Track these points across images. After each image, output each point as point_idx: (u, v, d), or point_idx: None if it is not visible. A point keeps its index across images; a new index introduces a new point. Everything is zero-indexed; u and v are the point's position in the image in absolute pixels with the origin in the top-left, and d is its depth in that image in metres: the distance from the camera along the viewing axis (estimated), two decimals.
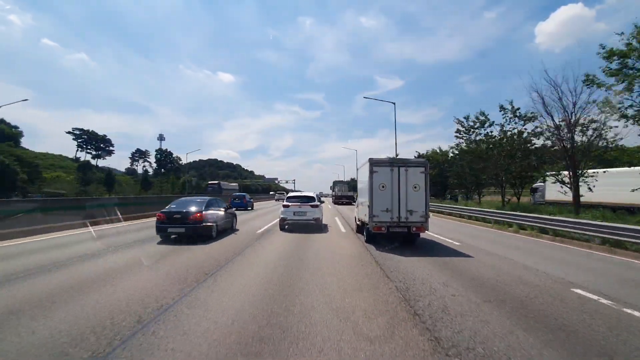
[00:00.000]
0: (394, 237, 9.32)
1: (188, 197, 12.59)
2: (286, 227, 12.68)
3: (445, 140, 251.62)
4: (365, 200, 9.55)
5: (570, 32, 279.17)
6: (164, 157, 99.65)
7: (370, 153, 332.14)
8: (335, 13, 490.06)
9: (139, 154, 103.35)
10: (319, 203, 13.41)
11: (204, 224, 9.65)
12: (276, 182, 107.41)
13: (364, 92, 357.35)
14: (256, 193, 77.85)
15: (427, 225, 8.90)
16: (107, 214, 13.77)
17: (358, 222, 11.84)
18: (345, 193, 41.30)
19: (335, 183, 49.94)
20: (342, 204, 38.95)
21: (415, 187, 8.92)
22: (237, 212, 14.67)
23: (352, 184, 62.95)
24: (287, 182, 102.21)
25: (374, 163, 9.02)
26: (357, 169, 11.79)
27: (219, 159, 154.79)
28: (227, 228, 11.87)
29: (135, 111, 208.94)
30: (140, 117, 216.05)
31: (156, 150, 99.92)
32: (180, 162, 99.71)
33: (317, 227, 12.65)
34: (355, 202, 27.88)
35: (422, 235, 9.68)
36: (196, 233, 9.51)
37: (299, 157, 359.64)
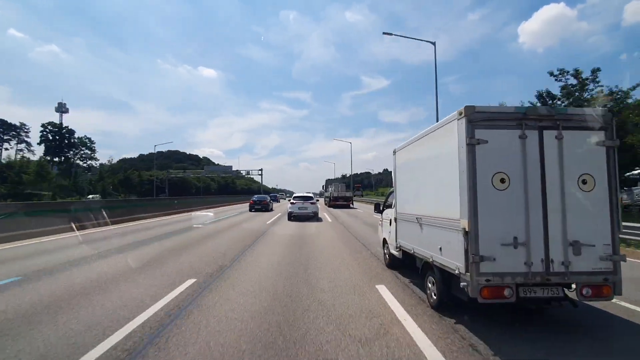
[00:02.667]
0: (523, 304, 3.65)
1: (260, 195, 31.32)
2: (292, 218, 16.71)
3: None
4: (434, 209, 4.14)
5: (552, 32, 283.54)
6: (59, 138, 59.21)
7: (356, 152, 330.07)
8: (320, 10, 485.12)
9: (5, 129, 58.52)
10: (316, 201, 18.70)
11: (268, 205, 25.82)
12: (239, 172, 78.97)
13: (350, 91, 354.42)
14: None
15: (619, 281, 3.39)
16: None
17: (395, 251, 6.07)
18: (342, 193, 32.81)
19: (329, 182, 41.57)
20: (339, 206, 31.41)
21: (584, 181, 3.45)
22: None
23: (348, 182, 56.53)
24: (248, 172, 72.00)
25: (477, 120, 3.42)
26: (394, 152, 6.22)
27: (181, 150, 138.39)
28: (272, 207, 27.03)
29: (115, 108, 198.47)
30: (121, 115, 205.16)
31: (42, 126, 59.00)
32: (93, 145, 64.93)
33: (316, 219, 16.91)
34: (370, 207, 22.87)
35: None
36: (265, 209, 24.95)
37: (285, 156, 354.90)
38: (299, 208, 16.66)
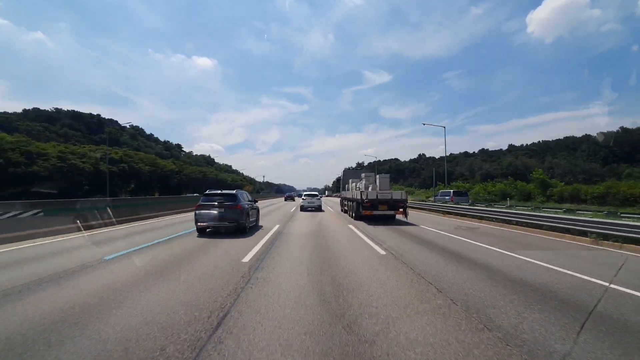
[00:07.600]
0: None
1: (289, 193, 63.46)
2: (303, 209, 23.90)
3: (432, 136, 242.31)
4: None
5: (563, 20, 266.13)
6: None
7: (357, 148, 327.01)
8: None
9: None
10: (320, 197, 26.30)
11: (294, 198, 47.23)
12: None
13: (351, 86, 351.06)
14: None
15: None
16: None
17: None
18: (384, 194, 14.42)
19: (350, 173, 21.92)
20: (378, 218, 14.65)
21: None
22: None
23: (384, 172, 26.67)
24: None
25: None
26: None
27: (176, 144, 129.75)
28: (294, 199, 45.64)
29: (112, 102, 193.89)
30: (118, 109, 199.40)
31: None
32: None
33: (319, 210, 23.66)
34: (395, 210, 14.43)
35: None
36: (292, 199, 45.97)
37: (285, 152, 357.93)
38: (308, 202, 24.45)
